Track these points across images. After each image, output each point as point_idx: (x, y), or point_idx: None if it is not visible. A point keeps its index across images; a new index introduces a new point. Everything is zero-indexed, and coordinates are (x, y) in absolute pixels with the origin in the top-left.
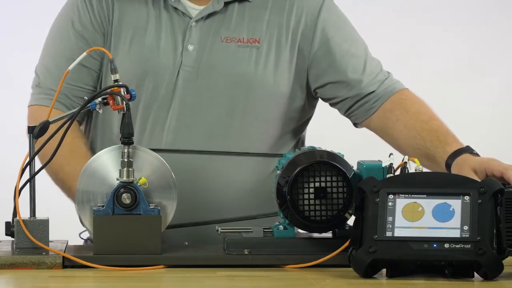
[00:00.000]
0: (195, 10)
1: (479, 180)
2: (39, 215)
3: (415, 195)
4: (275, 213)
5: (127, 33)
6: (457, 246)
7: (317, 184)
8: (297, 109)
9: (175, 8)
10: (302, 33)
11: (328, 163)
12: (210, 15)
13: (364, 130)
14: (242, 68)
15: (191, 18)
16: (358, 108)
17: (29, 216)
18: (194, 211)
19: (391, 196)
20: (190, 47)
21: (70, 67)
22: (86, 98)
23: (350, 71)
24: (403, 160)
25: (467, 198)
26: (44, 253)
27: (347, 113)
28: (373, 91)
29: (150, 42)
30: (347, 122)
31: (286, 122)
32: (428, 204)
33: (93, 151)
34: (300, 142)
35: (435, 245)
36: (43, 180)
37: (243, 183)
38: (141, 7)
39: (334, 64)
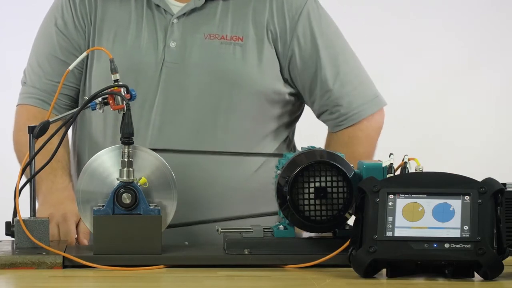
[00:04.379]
0: (177, 7)
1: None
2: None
3: (415, 195)
4: (263, 214)
5: (109, 32)
6: (457, 246)
7: (317, 184)
8: (282, 106)
9: (157, 6)
10: (283, 32)
11: (328, 163)
12: (192, 12)
13: None
14: (226, 65)
15: (172, 15)
16: (328, 119)
17: (29, 216)
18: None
19: (391, 196)
20: (172, 44)
21: (70, 67)
22: (86, 97)
23: (322, 81)
24: (403, 160)
25: (467, 198)
26: (44, 253)
27: (320, 118)
28: (341, 105)
29: (132, 40)
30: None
31: (272, 119)
32: (428, 204)
33: (78, 149)
34: (288, 139)
35: (435, 245)
36: None
37: (227, 180)
38: (124, 6)
39: (310, 68)
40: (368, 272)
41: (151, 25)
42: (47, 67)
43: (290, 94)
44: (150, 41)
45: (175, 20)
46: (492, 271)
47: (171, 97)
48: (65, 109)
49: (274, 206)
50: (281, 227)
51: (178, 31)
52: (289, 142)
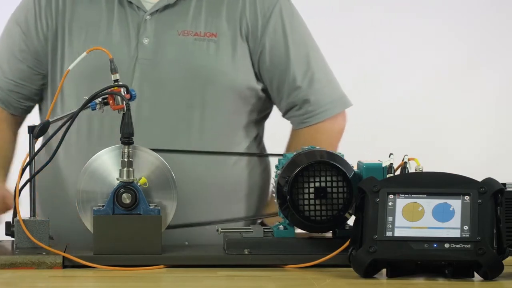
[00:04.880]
0: (149, 3)
1: None
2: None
3: (415, 195)
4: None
5: (80, 31)
6: (457, 246)
7: (317, 184)
8: (255, 101)
9: (130, 2)
10: (255, 28)
11: (328, 163)
12: (165, 8)
13: (363, 130)
14: (200, 61)
15: (145, 12)
16: (294, 115)
17: (29, 216)
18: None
19: (391, 196)
20: (145, 40)
21: (70, 67)
22: (86, 98)
23: (291, 77)
24: (403, 160)
25: (467, 198)
26: (44, 253)
27: (286, 115)
28: (309, 102)
29: (103, 38)
30: (347, 122)
31: (245, 115)
32: (428, 204)
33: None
34: (259, 137)
35: (435, 245)
36: None
37: (204, 177)
38: (94, 5)
39: (280, 64)
40: (368, 272)
41: (123, 22)
42: (5, 65)
43: (263, 90)
44: (122, 38)
45: (148, 17)
46: (492, 271)
47: (145, 93)
48: (20, 108)
49: (246, 203)
50: (281, 227)
51: (151, 28)
52: (259, 141)
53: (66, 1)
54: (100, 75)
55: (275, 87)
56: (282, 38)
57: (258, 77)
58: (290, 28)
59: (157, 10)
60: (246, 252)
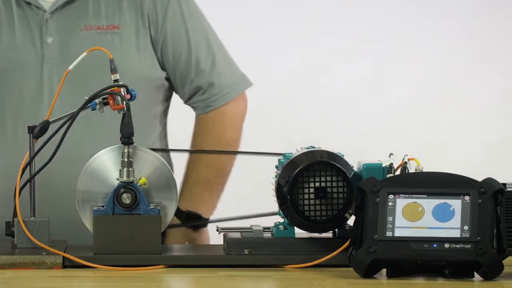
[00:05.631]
0: (48, 2)
1: None
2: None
3: (415, 195)
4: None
5: None
6: (457, 246)
7: (317, 184)
8: (163, 90)
9: (28, 3)
10: (155, 17)
11: (328, 163)
12: (65, 5)
13: (363, 130)
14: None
15: (45, 11)
16: (199, 99)
17: (29, 216)
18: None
19: (391, 196)
20: (49, 39)
21: (70, 67)
22: (86, 97)
23: (194, 62)
24: (403, 160)
25: (467, 198)
26: (44, 253)
27: (189, 101)
28: (213, 85)
29: (7, 41)
30: (347, 122)
31: (154, 106)
32: (428, 204)
33: None
34: (165, 127)
35: (435, 245)
36: None
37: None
38: None
39: (182, 50)
40: (368, 272)
41: (24, 23)
42: None
43: (166, 79)
44: (26, 39)
45: (49, 16)
46: (492, 271)
47: (56, 92)
48: None
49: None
50: (281, 227)
51: (54, 26)
52: (165, 133)
53: None
54: (12, 75)
55: (178, 74)
56: (182, 23)
57: (162, 65)
58: (188, 14)
59: (56, 8)
60: (246, 252)
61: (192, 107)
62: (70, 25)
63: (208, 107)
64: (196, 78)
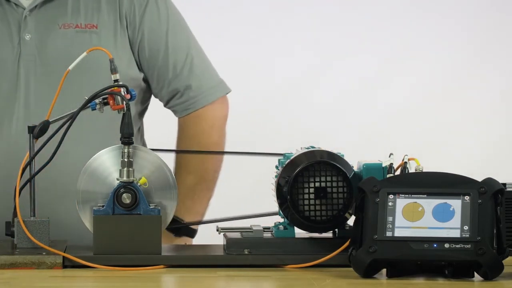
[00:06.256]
0: (27, 0)
1: None
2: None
3: (415, 195)
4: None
5: None
6: (457, 246)
7: (317, 184)
8: (139, 92)
9: (7, 0)
10: (133, 18)
11: (328, 163)
12: (44, 3)
13: (363, 130)
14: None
15: (24, 9)
16: (177, 103)
17: (29, 216)
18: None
19: (391, 196)
20: (27, 36)
21: (70, 67)
22: (86, 97)
23: (172, 64)
24: (403, 160)
25: (467, 198)
26: (44, 253)
27: (168, 105)
28: (190, 88)
29: None
30: (347, 122)
31: (133, 106)
32: (428, 204)
33: None
34: (141, 129)
35: (435, 245)
36: None
37: None
38: None
39: (160, 52)
40: (368, 272)
41: (3, 20)
42: None
43: (144, 80)
44: (4, 36)
45: (28, 13)
46: (492, 271)
47: (33, 89)
48: None
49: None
50: (281, 227)
51: (32, 24)
52: (142, 133)
53: None
54: None
55: (156, 75)
56: (160, 25)
57: (139, 66)
58: (165, 15)
59: (35, 6)
60: (246, 252)
61: (172, 110)
62: (49, 23)
63: (186, 110)
64: (174, 80)
